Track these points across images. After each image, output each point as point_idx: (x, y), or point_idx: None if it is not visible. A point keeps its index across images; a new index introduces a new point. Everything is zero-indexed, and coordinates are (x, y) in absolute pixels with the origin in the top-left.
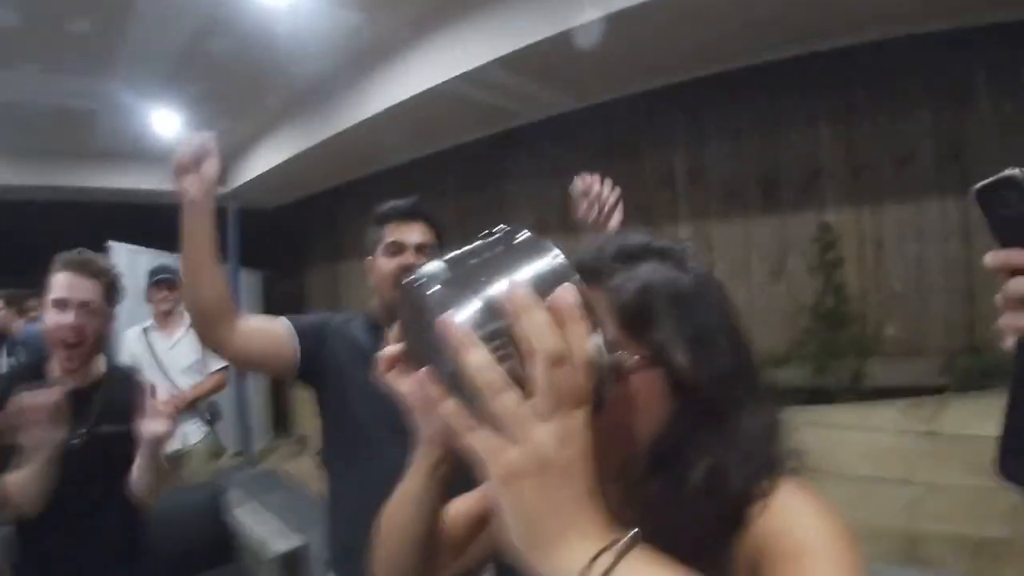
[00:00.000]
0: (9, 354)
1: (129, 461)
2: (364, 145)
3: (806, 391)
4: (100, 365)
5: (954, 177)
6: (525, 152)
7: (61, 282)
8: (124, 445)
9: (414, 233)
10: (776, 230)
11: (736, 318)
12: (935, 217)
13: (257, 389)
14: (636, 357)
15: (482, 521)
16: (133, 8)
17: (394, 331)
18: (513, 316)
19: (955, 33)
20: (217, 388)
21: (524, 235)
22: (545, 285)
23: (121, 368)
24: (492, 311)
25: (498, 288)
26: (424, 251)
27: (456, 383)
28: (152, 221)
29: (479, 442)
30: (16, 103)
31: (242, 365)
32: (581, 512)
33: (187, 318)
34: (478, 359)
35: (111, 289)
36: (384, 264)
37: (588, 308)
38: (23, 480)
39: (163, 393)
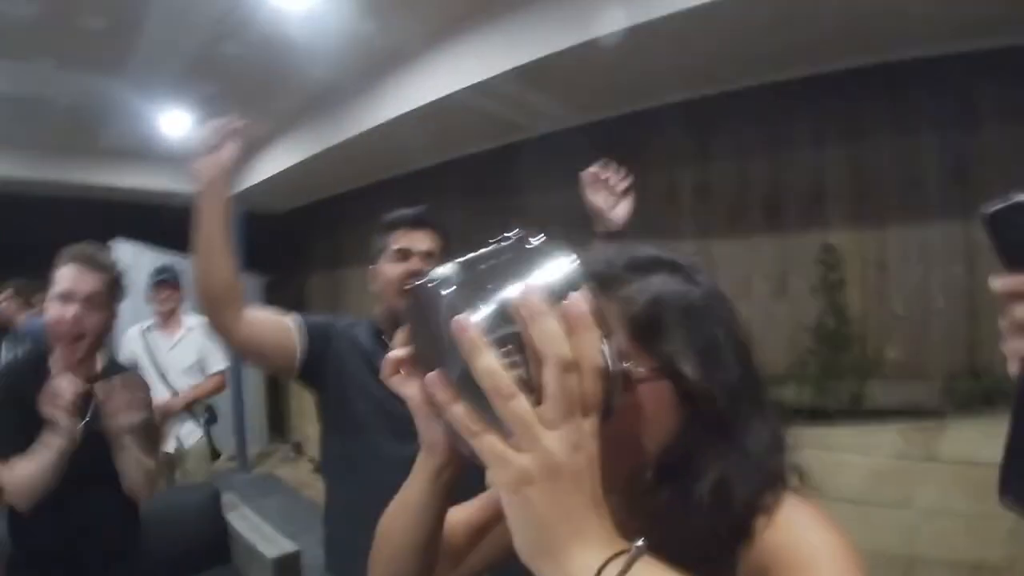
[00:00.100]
0: (10, 347)
1: None
2: (372, 153)
3: (805, 411)
4: (100, 361)
5: (959, 200)
6: (531, 165)
7: (66, 275)
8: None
9: (421, 241)
10: (780, 249)
11: (745, 332)
12: (939, 240)
13: (255, 393)
14: (645, 368)
15: (482, 530)
16: (148, 7)
17: (400, 335)
18: (525, 322)
19: (963, 56)
20: (215, 390)
21: (537, 240)
22: (557, 291)
23: (121, 365)
24: (504, 316)
25: (510, 293)
26: (431, 259)
27: (466, 386)
28: (158, 221)
29: (487, 447)
30: (29, 97)
31: (246, 354)
32: (589, 520)
33: (188, 320)
34: (489, 363)
35: (115, 285)
36: (390, 270)
37: (599, 316)
38: (28, 470)
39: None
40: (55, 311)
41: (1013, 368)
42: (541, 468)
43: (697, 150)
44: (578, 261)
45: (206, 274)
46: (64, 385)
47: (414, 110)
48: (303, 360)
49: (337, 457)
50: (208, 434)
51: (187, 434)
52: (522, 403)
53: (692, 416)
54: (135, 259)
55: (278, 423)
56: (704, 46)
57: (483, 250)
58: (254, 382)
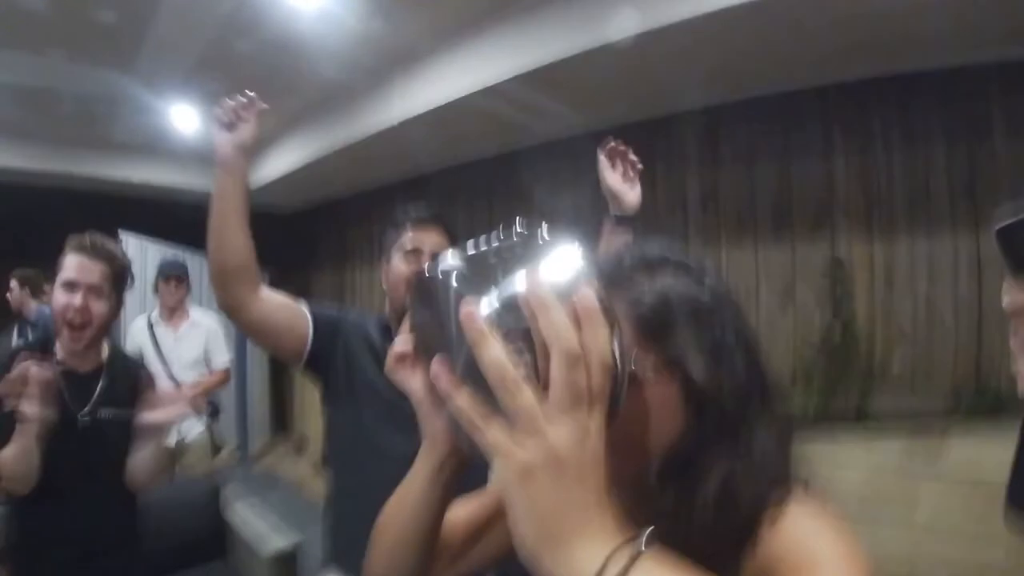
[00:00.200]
0: (19, 334)
1: (127, 447)
2: (380, 154)
3: (810, 422)
4: (104, 350)
5: (968, 214)
6: (538, 169)
7: (71, 264)
8: (123, 430)
9: (431, 239)
10: (787, 260)
11: (753, 334)
12: (948, 253)
13: (258, 389)
14: (652, 367)
15: (482, 528)
16: (159, 2)
17: (404, 327)
18: (532, 313)
19: (973, 69)
20: (219, 384)
21: (544, 234)
22: (565, 285)
23: (125, 354)
24: (511, 307)
25: (518, 285)
26: None
27: (471, 376)
28: (164, 216)
29: (491, 437)
30: (39, 90)
31: (256, 335)
32: (594, 512)
33: (193, 313)
34: (496, 353)
35: (120, 274)
36: (400, 268)
37: (608, 312)
38: (10, 456)
39: (168, 385)
40: (61, 299)
41: (1023, 387)
42: (545, 460)
43: (706, 158)
44: (587, 256)
45: (221, 250)
46: (33, 372)
47: (423, 112)
48: (312, 348)
49: (341, 450)
50: (210, 428)
51: (189, 428)
52: (528, 395)
53: (698, 416)
54: (142, 253)
55: (280, 419)
56: (715, 54)
57: (492, 243)
58: (258, 377)
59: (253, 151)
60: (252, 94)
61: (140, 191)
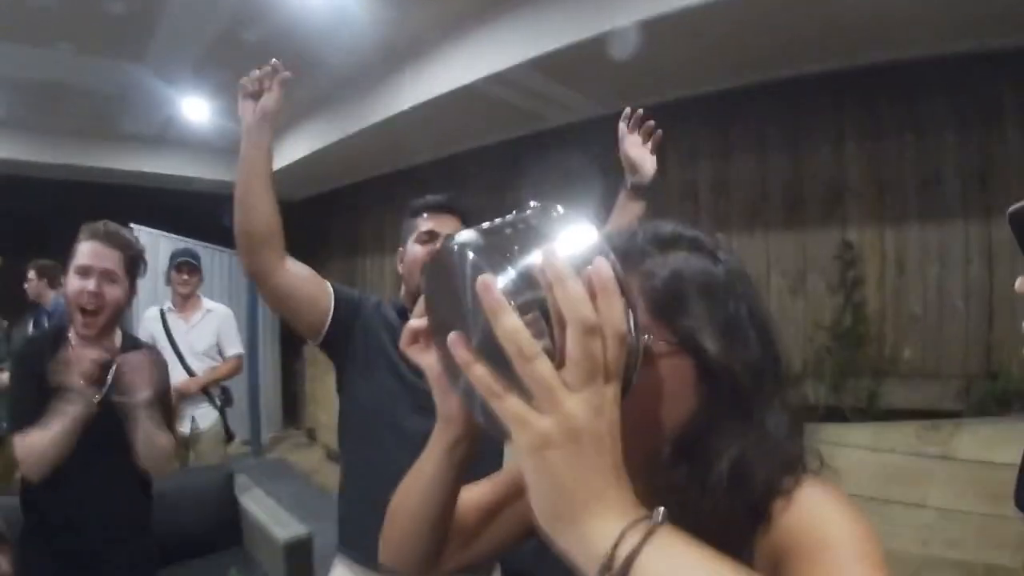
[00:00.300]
0: (36, 324)
1: None
2: (390, 142)
3: (821, 409)
4: (116, 336)
5: (979, 200)
6: (548, 157)
7: (85, 250)
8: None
9: (447, 225)
10: (797, 247)
11: (767, 311)
12: (958, 240)
13: (270, 378)
14: (665, 342)
15: (494, 512)
16: None
17: (419, 305)
18: (548, 286)
19: (984, 54)
20: (231, 374)
21: (559, 210)
22: (580, 259)
23: (137, 341)
24: (527, 280)
25: (533, 258)
26: None
27: (488, 348)
28: (175, 207)
29: (508, 408)
30: (50, 82)
31: (279, 300)
32: (610, 485)
33: (205, 303)
34: (512, 323)
35: (134, 262)
36: (415, 252)
37: (622, 285)
38: (45, 438)
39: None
40: (75, 284)
41: None
42: (562, 431)
43: (716, 145)
44: (601, 231)
45: (247, 217)
46: (86, 353)
47: (433, 99)
48: (328, 327)
49: (357, 430)
50: (223, 416)
51: (202, 416)
52: (545, 364)
53: (712, 393)
54: (153, 244)
55: (292, 409)
56: (724, 40)
57: (506, 218)
58: (269, 367)
59: (278, 119)
60: (277, 62)
61: (151, 182)
